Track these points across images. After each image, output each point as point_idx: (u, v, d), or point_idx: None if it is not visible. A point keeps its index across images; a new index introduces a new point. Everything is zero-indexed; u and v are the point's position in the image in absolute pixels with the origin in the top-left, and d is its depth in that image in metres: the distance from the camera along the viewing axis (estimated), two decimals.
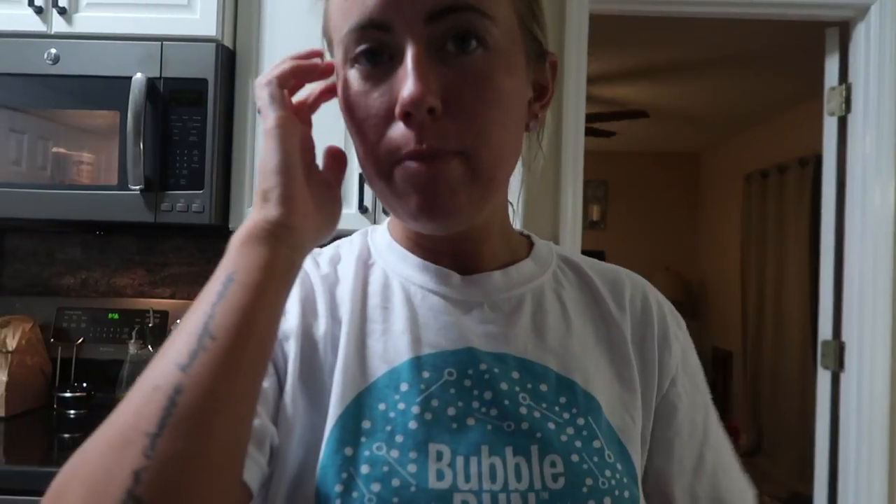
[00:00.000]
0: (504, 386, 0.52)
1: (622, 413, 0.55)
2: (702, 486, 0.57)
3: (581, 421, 0.53)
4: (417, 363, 0.52)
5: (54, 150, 1.58)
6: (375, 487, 0.47)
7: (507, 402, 0.52)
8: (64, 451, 1.56)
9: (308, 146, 0.52)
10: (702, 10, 2.10)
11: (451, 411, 0.51)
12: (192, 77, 1.55)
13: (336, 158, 0.55)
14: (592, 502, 0.49)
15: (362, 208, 1.60)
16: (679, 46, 3.36)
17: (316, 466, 0.49)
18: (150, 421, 0.37)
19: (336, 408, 0.50)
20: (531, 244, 0.63)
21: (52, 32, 1.59)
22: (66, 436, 1.62)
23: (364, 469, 0.48)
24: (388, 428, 0.50)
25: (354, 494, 0.47)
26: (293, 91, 0.52)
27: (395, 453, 0.49)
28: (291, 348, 0.53)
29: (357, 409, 0.50)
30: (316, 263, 0.59)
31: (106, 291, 1.96)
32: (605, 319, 0.59)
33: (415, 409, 0.50)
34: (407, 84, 0.46)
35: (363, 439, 0.49)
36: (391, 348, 0.53)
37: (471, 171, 0.49)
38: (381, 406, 0.51)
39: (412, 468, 0.48)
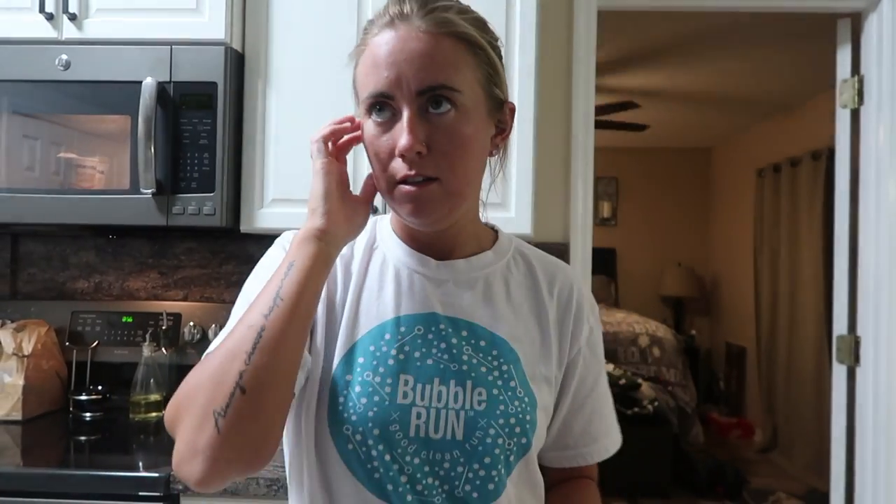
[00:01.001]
0: (454, 340, 0.78)
1: (536, 365, 0.82)
2: (577, 421, 0.87)
3: (505, 367, 0.79)
4: (398, 321, 0.78)
5: (67, 155, 1.59)
6: (363, 400, 0.74)
7: (454, 351, 0.78)
8: (80, 454, 1.57)
9: (343, 179, 0.78)
10: (712, 3, 2.09)
11: (416, 354, 0.77)
12: (201, 80, 1.55)
13: (371, 184, 0.80)
14: (502, 420, 0.76)
15: (373, 209, 1.60)
16: (688, 39, 3.34)
17: (324, 388, 0.75)
18: (248, 345, 0.65)
19: (341, 349, 0.77)
20: (497, 238, 0.87)
21: (63, 38, 1.60)
22: (83, 438, 1.63)
23: (356, 388, 0.74)
24: (374, 363, 0.76)
25: (350, 404, 0.74)
26: (336, 142, 0.79)
27: (377, 379, 0.75)
28: (320, 309, 0.78)
29: (354, 349, 0.77)
30: None
31: (119, 295, 1.98)
32: (538, 301, 0.85)
33: (393, 351, 0.76)
34: (403, 137, 0.71)
35: (358, 369, 0.75)
36: (381, 309, 0.79)
37: (444, 191, 0.73)
38: (371, 348, 0.77)
39: (388, 389, 0.74)
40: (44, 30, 1.60)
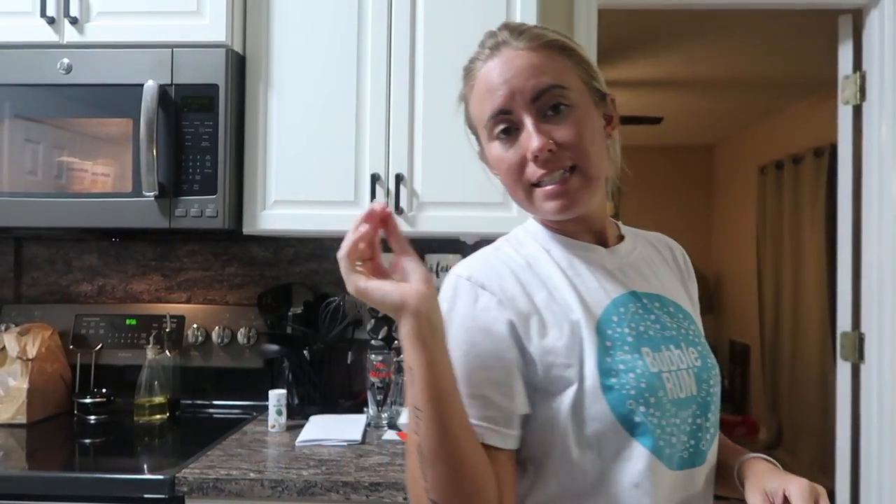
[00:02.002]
0: (656, 312, 0.88)
1: (698, 321, 0.94)
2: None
3: (693, 328, 0.91)
4: (615, 303, 0.86)
5: (69, 158, 1.60)
6: (631, 375, 0.80)
7: (662, 321, 0.88)
8: (85, 457, 1.58)
9: (376, 271, 0.76)
10: (713, 0, 2.08)
11: (641, 328, 0.85)
12: (203, 83, 1.56)
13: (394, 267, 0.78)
14: (714, 370, 0.88)
15: None
16: (689, 35, 3.33)
17: (588, 375, 0.80)
18: (418, 468, 0.72)
19: (590, 341, 0.81)
20: (618, 227, 0.99)
21: (65, 42, 1.60)
22: (87, 441, 1.63)
23: (620, 366, 0.80)
24: (619, 342, 0.82)
25: (624, 380, 0.80)
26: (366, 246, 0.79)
27: (628, 357, 0.81)
28: (534, 322, 0.82)
29: (600, 338, 0.82)
30: (503, 251, 0.91)
31: (123, 297, 1.98)
32: (671, 267, 0.98)
33: (626, 330, 0.84)
34: (532, 140, 0.80)
35: (611, 352, 0.81)
36: (599, 298, 0.85)
37: (583, 177, 0.82)
38: (609, 332, 0.83)
39: (640, 363, 0.81)
40: (45, 34, 1.60)
